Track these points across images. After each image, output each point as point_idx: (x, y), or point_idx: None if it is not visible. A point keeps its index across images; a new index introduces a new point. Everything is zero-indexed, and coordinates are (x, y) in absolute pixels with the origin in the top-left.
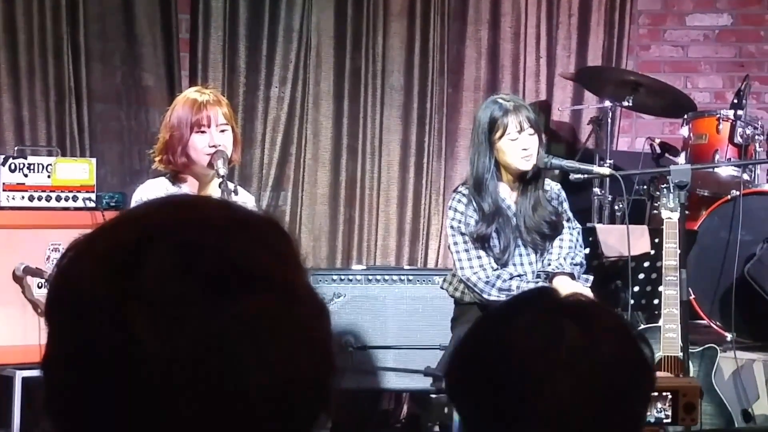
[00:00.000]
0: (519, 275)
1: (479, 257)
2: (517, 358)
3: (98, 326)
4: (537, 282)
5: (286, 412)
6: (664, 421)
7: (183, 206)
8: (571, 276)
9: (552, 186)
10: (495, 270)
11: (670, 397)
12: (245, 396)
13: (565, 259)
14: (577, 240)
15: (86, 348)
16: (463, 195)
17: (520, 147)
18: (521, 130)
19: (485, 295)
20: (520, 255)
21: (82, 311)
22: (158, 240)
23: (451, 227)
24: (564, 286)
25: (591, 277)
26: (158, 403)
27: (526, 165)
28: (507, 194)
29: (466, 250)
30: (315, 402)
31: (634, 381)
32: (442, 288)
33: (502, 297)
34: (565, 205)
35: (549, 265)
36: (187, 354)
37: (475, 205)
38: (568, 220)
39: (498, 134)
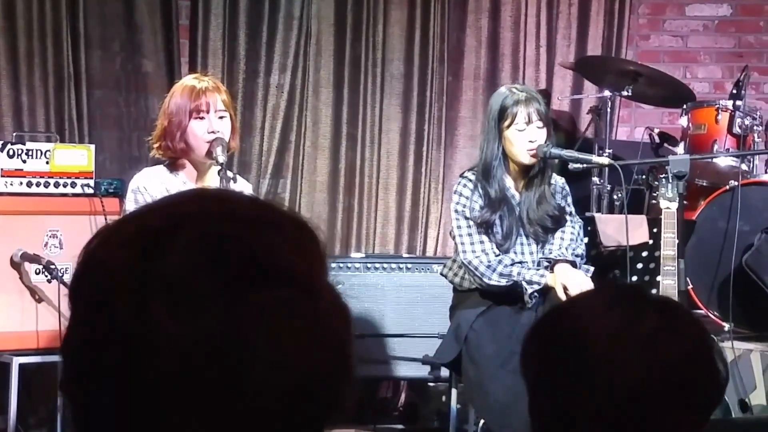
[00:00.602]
0: (520, 262)
1: (482, 242)
2: (596, 335)
3: (119, 310)
4: (538, 269)
5: (299, 408)
6: None
7: (212, 198)
8: (573, 264)
9: (557, 180)
10: (497, 255)
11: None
12: (260, 388)
13: (567, 249)
14: (579, 234)
15: (106, 331)
16: (470, 180)
17: (526, 139)
18: (529, 121)
19: (486, 279)
20: (522, 244)
21: (104, 294)
22: (184, 228)
23: (456, 211)
24: (566, 273)
25: (592, 268)
26: (174, 390)
27: (530, 159)
28: (512, 184)
29: (470, 234)
30: (329, 401)
31: (704, 384)
32: (441, 274)
33: (503, 282)
34: (569, 200)
35: (551, 253)
36: (205, 342)
37: (480, 191)
38: (570, 214)
39: (506, 123)
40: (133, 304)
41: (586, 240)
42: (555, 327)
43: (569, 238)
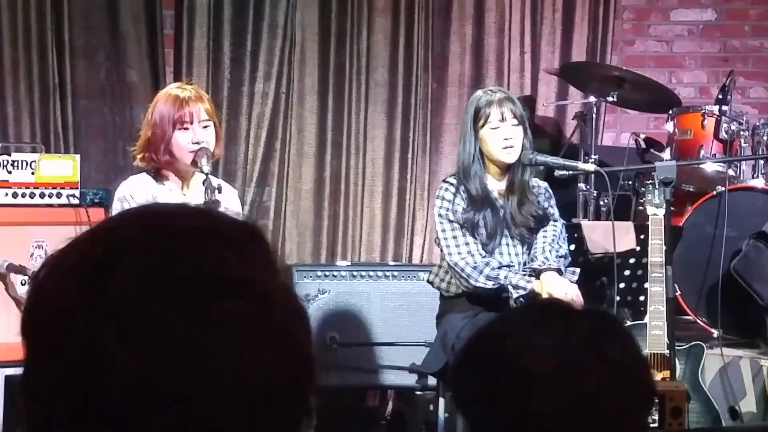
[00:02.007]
0: (507, 265)
1: (467, 243)
2: (529, 355)
3: (71, 341)
4: (525, 274)
5: (265, 419)
6: (651, 425)
7: (153, 216)
8: (559, 271)
9: (540, 184)
10: (483, 257)
11: (656, 401)
12: (221, 404)
13: (550, 252)
14: (561, 232)
15: (61, 367)
16: (451, 184)
17: (501, 136)
18: (503, 119)
19: (472, 281)
20: (507, 245)
21: (54, 327)
22: (128, 252)
23: (439, 215)
24: (552, 282)
25: (578, 270)
26: (135, 416)
27: (508, 157)
28: (494, 186)
29: (454, 237)
30: (295, 408)
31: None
32: (428, 281)
33: (489, 284)
34: (552, 202)
35: (535, 260)
36: (158, 365)
37: (462, 193)
38: (552, 215)
39: (481, 123)
40: (84, 338)
41: (572, 247)
42: (486, 352)
43: (551, 238)
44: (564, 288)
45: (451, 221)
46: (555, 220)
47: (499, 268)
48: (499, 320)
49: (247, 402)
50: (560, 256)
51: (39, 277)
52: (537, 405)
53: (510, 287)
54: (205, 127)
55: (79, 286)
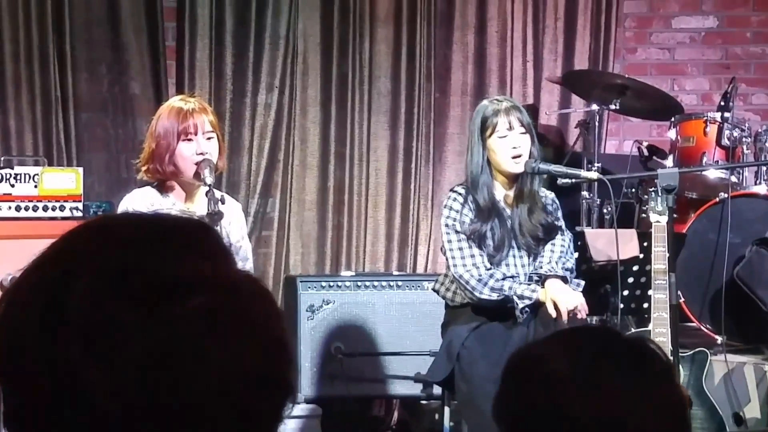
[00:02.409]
0: (512, 276)
1: (473, 256)
2: (566, 385)
3: (40, 368)
4: (529, 284)
5: (247, 409)
6: None
7: (98, 231)
8: (564, 279)
9: (547, 194)
10: (488, 269)
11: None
12: (199, 401)
13: (557, 263)
14: (569, 247)
15: (35, 392)
16: (459, 194)
17: (509, 145)
18: (510, 128)
19: (477, 293)
20: (514, 256)
21: (21, 359)
22: (79, 271)
23: (446, 225)
24: (556, 289)
25: (582, 282)
26: (115, 426)
27: (516, 167)
28: (501, 196)
29: (460, 248)
30: (276, 393)
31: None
32: (433, 290)
33: (494, 296)
34: (559, 213)
35: (541, 267)
36: (130, 375)
37: (470, 203)
38: (560, 228)
39: (488, 132)
40: (52, 362)
41: (576, 255)
42: (524, 378)
43: (559, 251)
44: (568, 296)
45: (457, 232)
46: (563, 232)
47: (504, 279)
48: (535, 339)
49: (224, 392)
50: (567, 269)
51: (0, 307)
52: (564, 406)
53: (515, 298)
54: (209, 138)
55: (37, 313)
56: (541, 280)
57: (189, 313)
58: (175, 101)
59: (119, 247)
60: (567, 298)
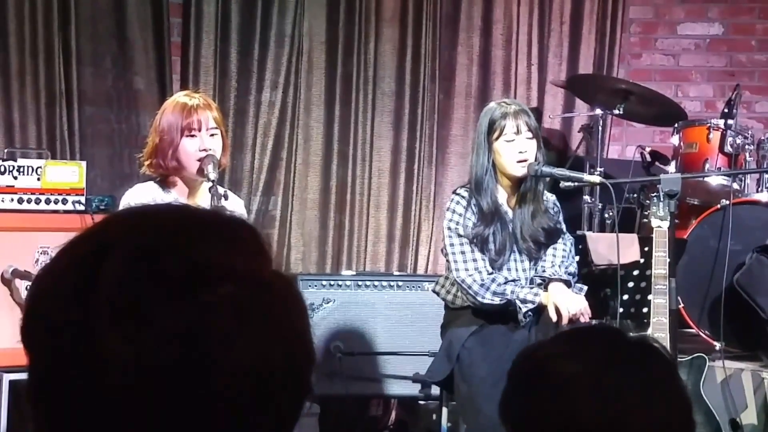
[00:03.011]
0: (513, 280)
1: (475, 260)
2: (572, 384)
3: (66, 338)
4: (532, 287)
5: (266, 401)
6: None
7: (136, 215)
8: (567, 283)
9: (548, 197)
10: (490, 273)
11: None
12: (219, 386)
13: (559, 266)
14: (570, 251)
15: (59, 362)
16: (462, 197)
17: (516, 149)
18: (518, 132)
19: (479, 298)
20: (515, 261)
21: (51, 331)
22: (113, 251)
23: (449, 228)
24: (559, 293)
25: (585, 287)
26: (137, 405)
27: (521, 170)
28: (504, 200)
29: (462, 252)
30: (295, 390)
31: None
32: (434, 291)
33: (496, 300)
34: (560, 217)
35: (544, 271)
36: (156, 354)
37: (473, 207)
38: (562, 231)
39: (495, 135)
40: (80, 334)
41: (577, 258)
42: (533, 380)
43: (561, 255)
44: (570, 300)
45: (460, 236)
46: (563, 235)
47: (506, 283)
48: (540, 341)
49: (245, 381)
50: (569, 273)
51: (33, 285)
52: (569, 407)
53: (518, 302)
54: (213, 135)
55: (70, 284)
56: (544, 283)
57: (217, 300)
58: (179, 96)
59: (156, 230)
60: (569, 302)
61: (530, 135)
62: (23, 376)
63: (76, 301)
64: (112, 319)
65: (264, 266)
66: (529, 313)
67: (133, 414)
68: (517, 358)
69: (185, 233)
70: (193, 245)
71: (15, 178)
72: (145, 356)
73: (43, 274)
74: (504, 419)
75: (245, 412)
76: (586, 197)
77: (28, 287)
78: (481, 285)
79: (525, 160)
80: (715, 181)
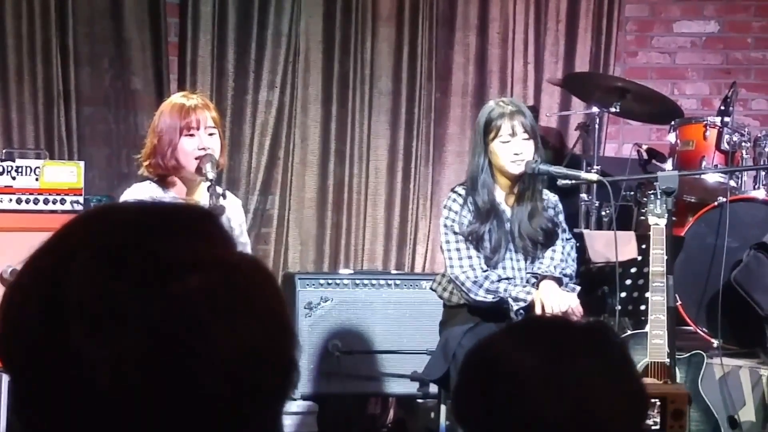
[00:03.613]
0: (507, 278)
1: (470, 257)
2: (522, 376)
3: (45, 354)
4: (525, 286)
5: (251, 386)
6: (653, 428)
7: (95, 217)
8: (559, 281)
9: (549, 196)
10: (484, 271)
11: (658, 403)
12: (203, 379)
13: (555, 267)
14: (570, 253)
15: (42, 378)
16: (459, 195)
17: (511, 151)
18: (514, 134)
19: (472, 295)
20: (511, 259)
21: (26, 347)
22: (79, 253)
23: (445, 225)
24: (547, 291)
25: (578, 288)
26: (124, 406)
27: (517, 168)
28: (502, 198)
29: (458, 249)
30: (279, 371)
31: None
32: (431, 289)
33: (489, 298)
34: (561, 217)
35: (539, 269)
36: (133, 352)
37: (470, 204)
38: (564, 231)
39: (492, 135)
40: (53, 341)
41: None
42: (477, 362)
43: (559, 258)
44: (557, 299)
45: (455, 233)
46: (564, 234)
47: (499, 281)
48: (491, 334)
49: (228, 369)
50: (565, 275)
51: (3, 302)
52: (527, 400)
53: (510, 300)
54: (211, 134)
55: (38, 297)
56: (537, 281)
57: (189, 291)
58: (177, 97)
59: (117, 229)
60: (556, 300)
61: (526, 136)
62: None
63: (46, 313)
64: (84, 324)
65: (227, 250)
66: (521, 311)
67: (121, 415)
68: (468, 356)
69: (145, 229)
70: (155, 240)
71: (13, 178)
72: (124, 355)
73: (11, 290)
74: (459, 418)
75: (234, 396)
76: (583, 195)
77: None
78: (474, 282)
79: (522, 161)
80: (712, 178)
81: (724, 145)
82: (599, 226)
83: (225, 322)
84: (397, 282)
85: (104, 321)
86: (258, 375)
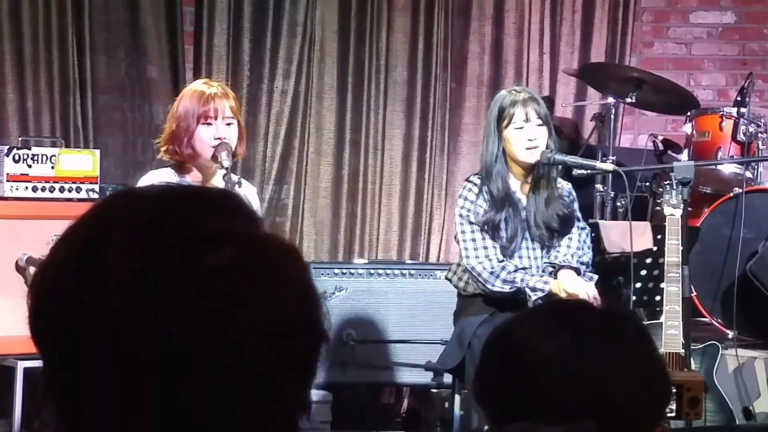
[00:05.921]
0: (524, 268)
1: (485, 247)
2: (543, 360)
3: (81, 325)
4: (542, 275)
5: (285, 354)
6: (668, 415)
7: (129, 196)
8: (577, 271)
9: (563, 185)
10: (500, 261)
11: (674, 391)
12: (239, 345)
13: (572, 256)
14: (585, 241)
15: (78, 352)
16: (474, 184)
17: (525, 137)
18: (527, 119)
19: (489, 286)
20: (527, 248)
21: (61, 320)
22: (115, 225)
23: (460, 215)
24: (569, 280)
25: (596, 276)
26: (163, 373)
27: (531, 157)
28: (517, 187)
29: (473, 240)
30: (312, 337)
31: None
32: (446, 278)
33: (506, 288)
34: (575, 205)
35: (556, 258)
36: (172, 318)
37: (485, 194)
38: (578, 219)
39: (505, 123)
40: (90, 310)
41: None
42: (499, 344)
43: (576, 246)
44: (580, 288)
45: (471, 223)
46: (579, 223)
47: (516, 271)
48: (512, 317)
49: (264, 336)
50: (582, 263)
51: (35, 279)
52: (548, 386)
53: (527, 290)
54: (229, 124)
55: (74, 269)
56: (554, 270)
57: (225, 262)
58: (198, 84)
59: (151, 205)
60: (579, 290)
61: (540, 122)
62: (37, 363)
63: (83, 283)
64: (122, 291)
65: (259, 227)
66: (539, 301)
67: (160, 383)
68: (491, 340)
69: (179, 205)
70: (189, 215)
71: (29, 166)
72: (163, 321)
73: (45, 266)
74: (480, 401)
75: (272, 366)
76: (599, 185)
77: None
78: (491, 272)
79: (535, 147)
80: (727, 169)
81: (740, 136)
82: (614, 217)
83: (261, 293)
84: (412, 272)
85: (141, 289)
86: (293, 344)
